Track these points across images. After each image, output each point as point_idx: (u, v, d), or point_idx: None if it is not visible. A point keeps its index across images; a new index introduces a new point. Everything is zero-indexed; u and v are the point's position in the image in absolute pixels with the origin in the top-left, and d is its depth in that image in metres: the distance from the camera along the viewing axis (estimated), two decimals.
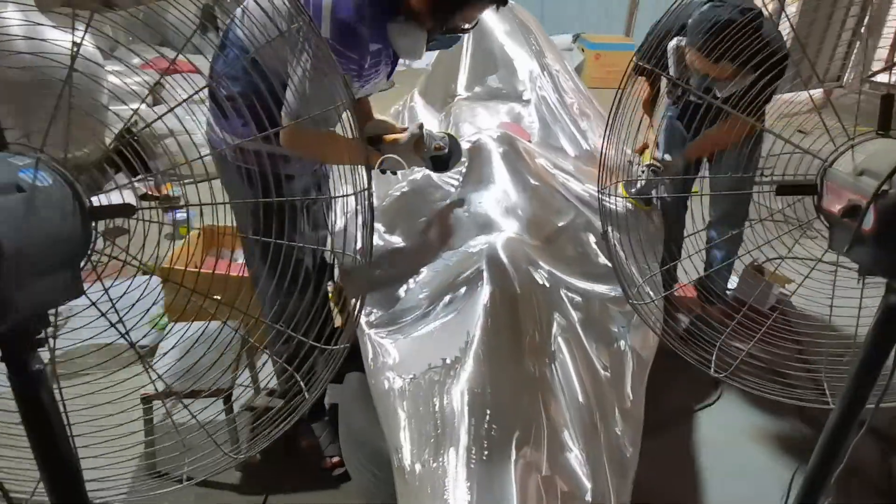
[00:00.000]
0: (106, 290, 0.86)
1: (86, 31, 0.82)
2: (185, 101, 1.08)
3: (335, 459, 1.96)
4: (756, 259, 2.81)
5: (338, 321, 2.09)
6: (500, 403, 1.34)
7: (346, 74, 1.49)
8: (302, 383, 1.04)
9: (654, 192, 2.16)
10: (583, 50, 6.24)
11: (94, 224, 0.79)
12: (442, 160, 1.86)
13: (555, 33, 6.81)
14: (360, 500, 1.88)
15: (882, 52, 6.01)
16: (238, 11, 1.65)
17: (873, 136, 1.01)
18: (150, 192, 3.50)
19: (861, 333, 1.10)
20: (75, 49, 0.80)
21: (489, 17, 2.69)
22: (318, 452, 2.00)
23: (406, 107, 2.79)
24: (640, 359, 1.60)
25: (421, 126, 1.82)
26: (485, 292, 1.52)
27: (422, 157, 1.80)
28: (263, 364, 2.37)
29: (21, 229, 0.65)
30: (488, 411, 1.33)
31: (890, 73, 1.38)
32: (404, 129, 1.86)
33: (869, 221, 0.89)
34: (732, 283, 2.89)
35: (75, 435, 0.87)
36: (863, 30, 5.77)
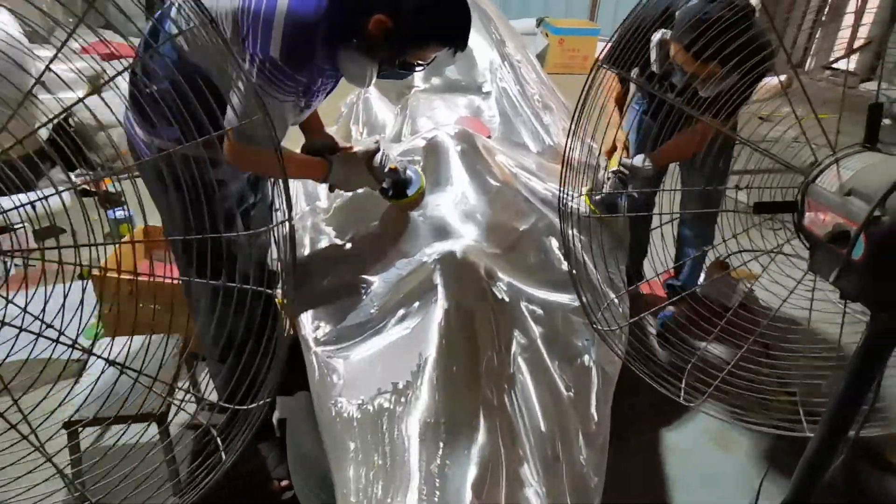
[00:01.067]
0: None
1: None
2: (106, 83, 0.95)
3: (283, 483, 1.83)
4: (721, 254, 2.76)
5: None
6: (455, 437, 1.22)
7: (288, 100, 1.39)
8: (220, 442, 0.91)
9: (619, 200, 2.04)
10: (546, 35, 6.12)
11: None
12: (397, 185, 1.71)
13: (518, 17, 6.68)
14: None
15: (843, 39, 6.03)
16: (173, 8, 1.49)
17: (859, 150, 0.91)
18: (88, 188, 3.28)
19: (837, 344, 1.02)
20: None
21: None
22: (265, 474, 1.86)
23: (360, 98, 2.62)
24: (606, 374, 1.50)
25: (378, 142, 1.69)
26: (439, 309, 1.40)
27: (375, 175, 1.67)
28: (205, 375, 2.22)
29: None
30: (441, 444, 1.21)
31: (849, 61, 1.31)
32: (348, 147, 1.73)
33: (859, 250, 0.80)
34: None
35: None
36: (823, 16, 5.78)
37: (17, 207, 0.99)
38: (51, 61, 0.90)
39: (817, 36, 5.97)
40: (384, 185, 1.71)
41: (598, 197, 2.00)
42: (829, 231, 0.84)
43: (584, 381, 1.46)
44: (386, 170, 1.67)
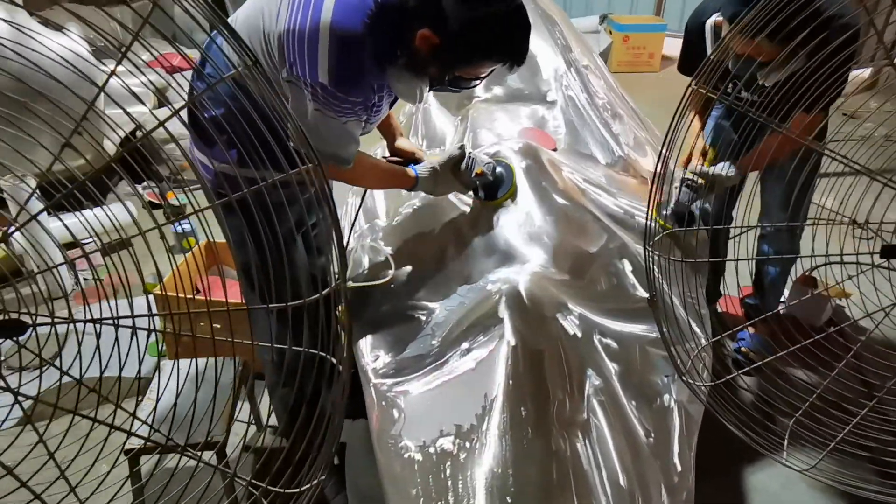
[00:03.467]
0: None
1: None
2: (164, 121, 0.90)
3: None
4: (808, 270, 2.54)
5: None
6: (524, 490, 1.12)
7: (349, 119, 1.35)
8: None
9: (693, 211, 1.87)
10: (610, 32, 5.90)
11: None
12: (488, 188, 1.69)
13: (581, 15, 6.48)
14: None
15: None
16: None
17: None
18: (153, 202, 3.35)
19: None
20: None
21: None
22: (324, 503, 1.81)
23: (419, 109, 2.55)
24: (689, 416, 1.37)
25: (462, 147, 1.65)
26: (505, 346, 1.30)
27: (462, 181, 1.65)
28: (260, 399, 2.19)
29: None
30: (510, 500, 1.11)
31: None
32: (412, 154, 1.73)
33: None
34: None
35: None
36: None
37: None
38: (113, 71, 0.85)
39: None
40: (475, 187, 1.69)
41: (666, 211, 1.84)
42: None
43: (664, 424, 1.33)
44: (472, 174, 1.64)
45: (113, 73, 0.86)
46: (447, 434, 1.26)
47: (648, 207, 1.17)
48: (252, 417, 2.06)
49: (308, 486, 0.91)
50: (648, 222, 1.20)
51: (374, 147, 2.11)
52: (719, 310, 2.63)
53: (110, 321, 0.94)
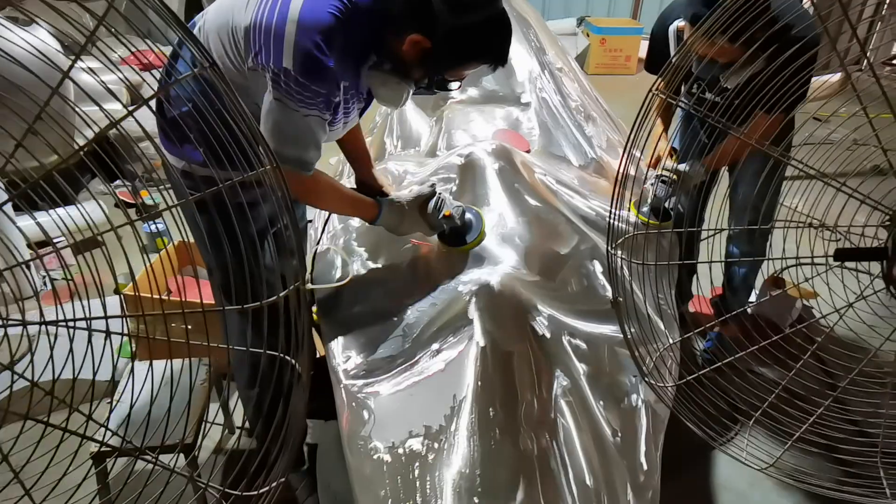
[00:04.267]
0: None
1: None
2: (129, 113, 0.89)
3: None
4: (777, 272, 2.58)
5: (320, 350, 1.89)
6: (491, 489, 1.13)
7: (311, 112, 1.31)
8: None
9: (668, 203, 1.93)
10: (587, 34, 5.95)
11: None
12: (454, 233, 1.62)
13: (559, 17, 6.53)
14: None
15: None
16: (195, 24, 1.45)
17: None
18: (126, 199, 3.30)
19: None
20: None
21: None
22: None
23: (396, 110, 2.55)
24: (656, 415, 1.39)
25: (433, 187, 1.61)
26: (475, 347, 1.31)
27: (429, 222, 1.59)
28: (237, 402, 2.17)
29: None
30: (477, 499, 1.12)
31: None
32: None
33: None
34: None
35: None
36: (884, 8, 5.46)
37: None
38: (74, 61, 0.84)
39: (877, 29, 5.64)
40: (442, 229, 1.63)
41: (645, 208, 1.90)
42: None
43: (631, 424, 1.35)
44: (440, 216, 1.58)
45: (74, 62, 0.84)
46: (416, 435, 1.26)
47: (612, 208, 1.18)
48: (223, 419, 2.04)
49: (267, 488, 0.90)
50: (612, 222, 1.22)
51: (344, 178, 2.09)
52: (691, 309, 2.67)
53: (83, 322, 0.93)
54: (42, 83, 0.90)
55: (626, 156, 1.04)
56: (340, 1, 1.28)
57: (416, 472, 1.21)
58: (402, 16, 1.27)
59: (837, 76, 5.88)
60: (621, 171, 1.10)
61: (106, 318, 0.93)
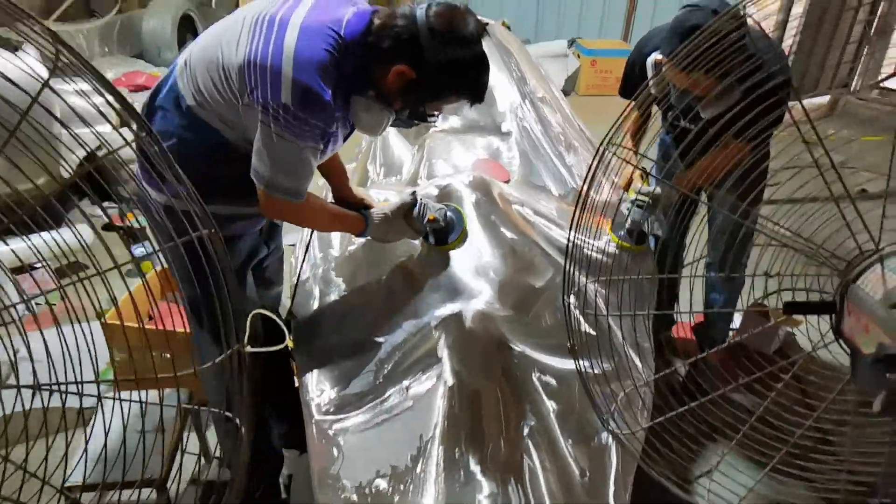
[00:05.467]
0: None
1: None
2: (111, 152, 0.90)
3: None
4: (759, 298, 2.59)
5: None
6: None
7: (308, 145, 1.35)
8: None
9: (644, 227, 1.95)
10: (578, 56, 6.01)
11: None
12: (438, 234, 1.68)
13: (551, 38, 6.59)
14: None
15: (892, 57, 5.76)
16: (180, 60, 1.46)
17: None
18: (112, 222, 3.30)
19: None
20: None
21: None
22: None
23: (380, 137, 2.56)
24: (626, 455, 1.38)
25: (414, 194, 1.65)
26: (443, 386, 1.31)
27: (414, 228, 1.65)
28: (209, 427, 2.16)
29: None
30: None
31: None
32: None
33: None
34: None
35: None
36: (872, 34, 5.52)
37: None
38: (45, 82, 0.83)
39: (864, 54, 5.71)
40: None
41: (622, 232, 1.92)
42: (872, 352, 0.72)
43: (601, 463, 1.34)
44: (425, 220, 1.64)
45: (46, 84, 0.83)
46: (383, 475, 1.26)
47: (567, 257, 1.18)
48: (199, 450, 2.03)
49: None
50: (567, 269, 1.22)
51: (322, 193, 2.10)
52: (673, 336, 2.67)
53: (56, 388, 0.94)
54: (29, 106, 0.91)
55: (578, 207, 1.06)
56: (332, 37, 1.31)
57: None
58: (391, 48, 1.30)
59: (826, 98, 5.95)
60: (575, 220, 1.11)
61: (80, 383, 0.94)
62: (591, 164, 1.07)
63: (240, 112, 1.35)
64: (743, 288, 2.30)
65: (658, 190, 1.93)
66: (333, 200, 1.80)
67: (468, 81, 1.39)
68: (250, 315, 0.94)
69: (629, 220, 1.92)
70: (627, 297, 1.59)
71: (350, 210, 1.64)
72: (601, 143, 1.09)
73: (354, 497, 1.26)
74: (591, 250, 1.86)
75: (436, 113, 1.51)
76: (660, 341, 2.35)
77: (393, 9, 1.37)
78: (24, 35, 0.80)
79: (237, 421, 0.92)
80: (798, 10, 5.38)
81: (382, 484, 1.25)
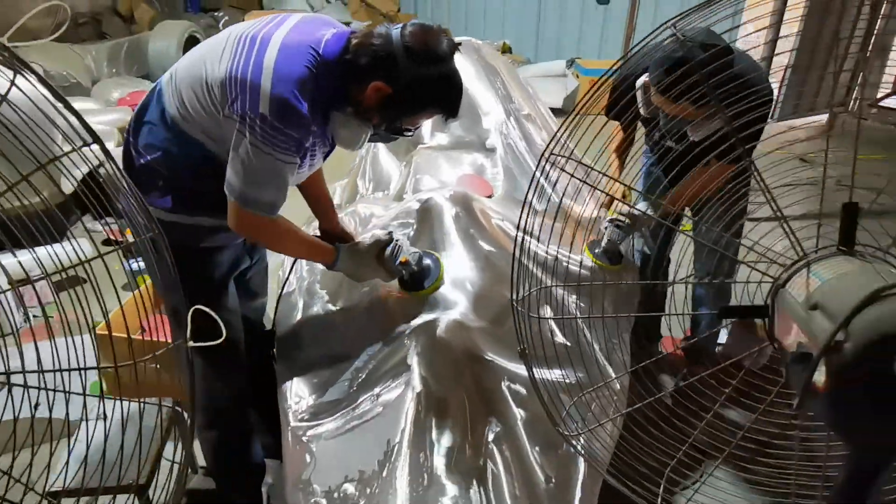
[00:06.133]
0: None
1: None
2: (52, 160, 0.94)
3: None
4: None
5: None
6: None
7: (284, 156, 1.38)
8: None
9: (622, 248, 1.99)
10: (577, 76, 6.08)
11: None
12: (412, 278, 1.67)
13: (551, 59, 6.68)
14: None
15: (890, 77, 5.79)
16: (165, 76, 1.53)
17: (833, 252, 0.82)
18: (112, 238, 3.37)
19: None
20: None
21: (456, 59, 2.55)
22: None
23: (369, 153, 2.63)
24: (594, 461, 1.40)
25: (390, 234, 1.67)
26: (411, 392, 1.34)
27: (385, 268, 1.64)
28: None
29: None
30: None
31: None
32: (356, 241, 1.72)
33: (821, 376, 0.70)
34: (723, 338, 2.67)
35: None
36: (868, 54, 5.55)
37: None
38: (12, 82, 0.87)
39: (861, 73, 5.73)
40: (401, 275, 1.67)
41: (598, 250, 1.95)
42: (793, 350, 0.75)
43: (567, 469, 1.36)
44: (397, 262, 1.63)
45: (12, 84, 0.88)
46: (351, 480, 1.29)
47: (514, 263, 1.22)
48: (182, 458, 2.06)
49: None
50: (515, 276, 1.25)
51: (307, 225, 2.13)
52: (662, 351, 2.68)
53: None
54: (35, 125, 0.96)
55: (524, 211, 1.10)
56: (311, 55, 1.36)
57: None
58: (368, 65, 1.36)
59: (824, 118, 5.97)
60: (521, 223, 1.16)
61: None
62: (535, 174, 1.11)
63: (221, 124, 1.40)
64: (730, 298, 2.32)
65: (639, 210, 1.97)
66: (319, 233, 1.83)
67: (442, 97, 1.44)
68: (190, 311, 0.98)
69: (606, 240, 1.96)
70: (605, 307, 1.63)
71: (327, 242, 1.64)
72: (542, 156, 1.14)
73: (324, 501, 1.28)
74: (572, 264, 1.91)
75: (412, 128, 1.54)
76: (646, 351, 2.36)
77: (370, 29, 1.43)
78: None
79: (181, 410, 0.95)
80: (793, 29, 5.43)
81: (350, 488, 1.28)
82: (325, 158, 1.72)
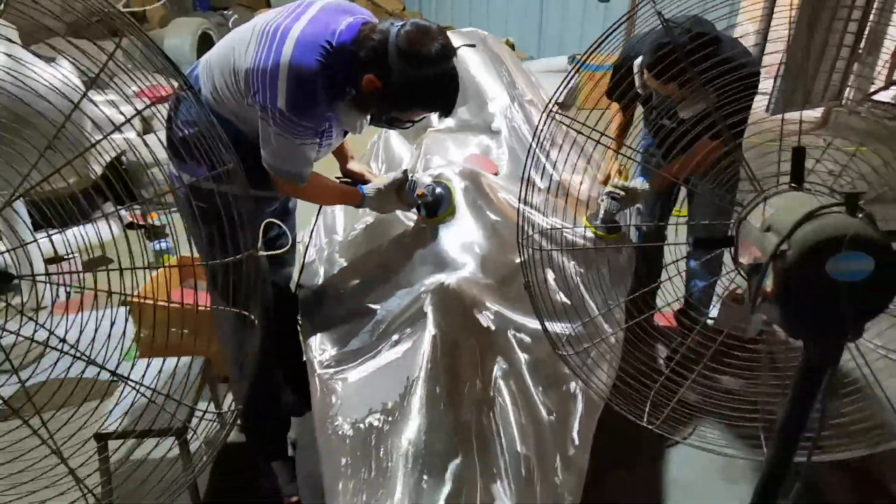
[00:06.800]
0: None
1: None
2: (128, 120, 1.11)
3: (293, 499, 1.94)
4: (737, 287, 2.76)
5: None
6: (434, 455, 1.32)
7: (304, 141, 1.56)
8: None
9: (618, 219, 2.15)
10: (577, 70, 6.23)
11: None
12: (429, 207, 1.90)
13: (554, 54, 6.84)
14: None
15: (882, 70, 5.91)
16: (203, 59, 1.69)
17: (786, 189, 0.99)
18: (135, 221, 3.55)
19: None
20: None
21: (462, 50, 2.70)
22: (278, 492, 1.98)
23: (381, 137, 2.79)
24: (591, 401, 1.57)
25: (405, 172, 1.87)
26: (427, 335, 1.50)
27: (405, 201, 1.87)
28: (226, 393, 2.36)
29: None
30: (421, 461, 1.30)
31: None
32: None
33: (769, 281, 0.87)
34: (715, 313, 2.83)
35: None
36: (860, 48, 5.69)
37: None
38: (79, 101, 1.05)
39: (855, 66, 5.87)
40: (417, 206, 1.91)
41: (597, 221, 2.11)
42: (750, 264, 0.91)
43: (567, 406, 1.53)
44: (414, 195, 1.86)
45: (85, 95, 1.07)
46: (374, 412, 1.45)
47: (519, 205, 1.38)
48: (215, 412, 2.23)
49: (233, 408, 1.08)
50: (520, 221, 1.40)
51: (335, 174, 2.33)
52: (658, 324, 2.84)
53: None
54: (60, 112, 1.13)
55: (529, 157, 1.26)
56: (324, 48, 1.50)
57: (373, 442, 1.40)
58: (365, 58, 1.49)
59: (819, 111, 6.10)
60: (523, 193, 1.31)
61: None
62: (538, 125, 1.27)
63: (246, 109, 1.57)
64: (720, 272, 2.48)
65: (634, 184, 2.13)
66: (340, 175, 2.02)
67: (429, 98, 1.56)
68: (262, 224, 1.13)
69: (603, 211, 2.12)
70: (602, 272, 1.79)
71: (350, 185, 1.88)
72: (545, 109, 1.29)
73: (350, 432, 1.45)
74: (572, 234, 2.08)
75: (405, 121, 1.68)
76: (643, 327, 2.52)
77: (379, 22, 1.56)
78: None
79: (251, 315, 1.11)
80: (782, 21, 5.56)
81: (374, 420, 1.44)
82: (344, 136, 1.89)
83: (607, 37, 1.17)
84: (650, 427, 1.20)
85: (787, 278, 0.84)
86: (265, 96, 1.48)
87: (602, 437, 1.56)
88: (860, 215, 0.83)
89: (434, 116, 2.62)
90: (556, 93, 1.30)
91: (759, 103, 2.09)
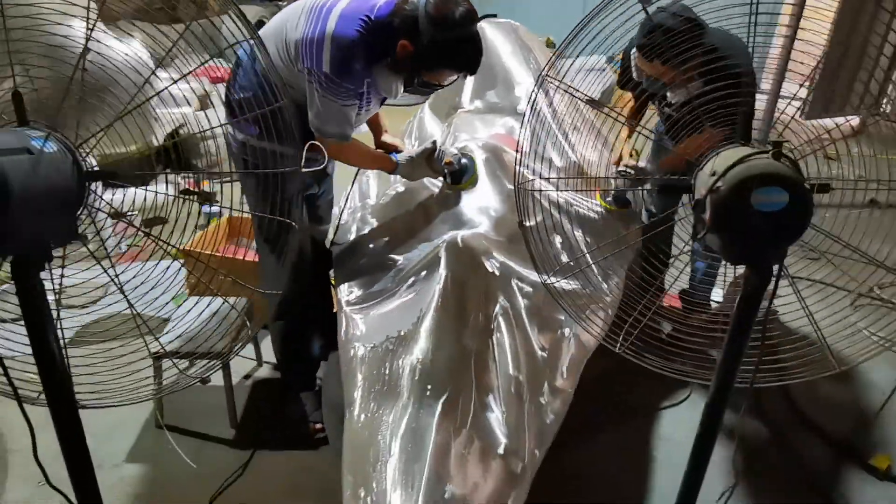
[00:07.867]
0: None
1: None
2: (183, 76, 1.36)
3: (318, 426, 2.19)
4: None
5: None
6: (438, 370, 1.54)
7: (346, 103, 1.80)
8: None
9: (629, 195, 2.35)
10: (615, 71, 6.38)
11: (88, 184, 1.05)
12: (454, 175, 2.15)
13: (587, 54, 6.98)
14: (334, 459, 2.10)
15: None
16: (260, 32, 1.96)
17: (736, 145, 1.18)
18: (189, 187, 3.87)
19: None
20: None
21: (494, 37, 2.93)
22: (304, 418, 2.24)
23: (416, 118, 3.04)
24: (581, 344, 1.77)
25: (434, 142, 2.12)
26: (440, 276, 1.73)
27: (433, 169, 2.12)
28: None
29: (27, 179, 0.92)
30: (427, 375, 1.53)
31: None
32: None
33: (707, 213, 1.07)
34: (717, 295, 2.98)
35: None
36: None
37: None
38: (153, 71, 1.31)
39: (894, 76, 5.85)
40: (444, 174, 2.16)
41: (609, 198, 2.31)
42: (696, 199, 1.11)
43: (559, 346, 1.74)
44: (442, 163, 2.11)
45: (153, 72, 1.31)
46: (390, 338, 1.69)
47: (517, 156, 1.59)
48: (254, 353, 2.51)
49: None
50: (518, 168, 1.61)
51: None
52: (664, 303, 3.01)
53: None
54: (133, 85, 1.37)
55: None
56: (364, 20, 1.75)
57: (386, 361, 1.63)
58: (399, 25, 1.73)
59: (855, 120, 6.10)
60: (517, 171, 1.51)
61: None
62: (533, 92, 1.48)
63: (296, 76, 1.83)
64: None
65: (643, 164, 2.33)
66: (375, 145, 2.26)
67: (455, 57, 1.80)
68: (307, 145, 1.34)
69: (615, 188, 2.32)
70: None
71: (385, 153, 2.13)
72: (539, 76, 1.50)
73: (370, 354, 1.69)
74: (584, 209, 2.28)
75: (434, 83, 1.90)
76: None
77: None
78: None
79: (290, 222, 1.33)
80: (821, 27, 5.57)
81: (389, 344, 1.68)
82: (380, 105, 2.13)
83: (585, 25, 1.37)
84: (620, 352, 1.40)
85: (721, 208, 1.04)
86: (312, 62, 1.74)
87: (597, 396, 1.74)
88: (784, 161, 1.03)
89: (465, 99, 2.88)
90: (549, 60, 1.49)
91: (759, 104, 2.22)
